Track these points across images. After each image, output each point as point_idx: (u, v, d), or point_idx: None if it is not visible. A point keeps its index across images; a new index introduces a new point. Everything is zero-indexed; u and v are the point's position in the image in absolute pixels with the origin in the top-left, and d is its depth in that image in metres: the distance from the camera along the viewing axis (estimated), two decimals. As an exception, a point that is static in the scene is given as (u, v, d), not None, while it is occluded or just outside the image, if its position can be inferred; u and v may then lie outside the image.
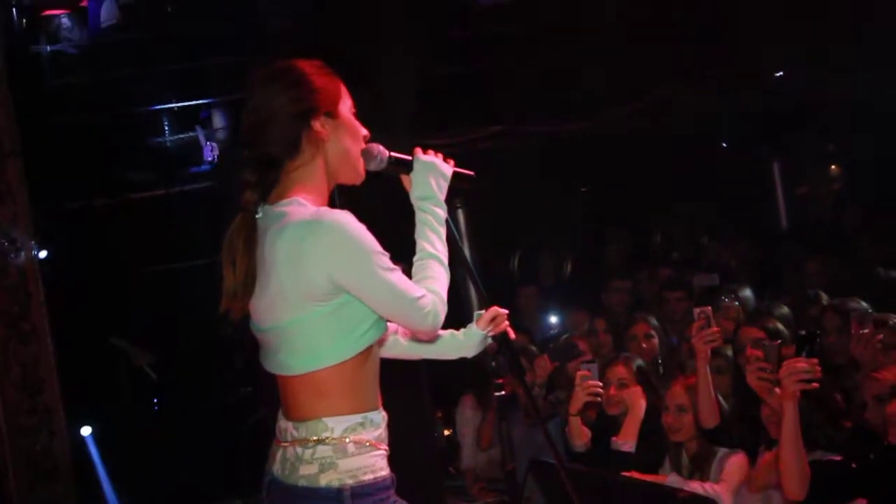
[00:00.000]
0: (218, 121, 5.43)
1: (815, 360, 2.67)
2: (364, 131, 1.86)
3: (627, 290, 5.95)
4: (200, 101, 5.42)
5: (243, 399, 5.75)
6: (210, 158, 5.39)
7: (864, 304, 4.09)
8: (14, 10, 5.25)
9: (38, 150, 5.00)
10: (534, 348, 4.80)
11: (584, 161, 7.34)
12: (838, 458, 2.83)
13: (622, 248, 7.57)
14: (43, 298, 4.90)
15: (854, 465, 2.76)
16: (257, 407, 5.16)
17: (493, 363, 2.17)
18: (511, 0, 6.17)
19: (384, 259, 1.62)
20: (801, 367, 2.62)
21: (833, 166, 9.68)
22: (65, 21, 5.51)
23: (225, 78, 5.32)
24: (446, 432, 5.55)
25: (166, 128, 5.43)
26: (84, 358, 5.44)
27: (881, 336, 3.45)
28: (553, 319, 5.82)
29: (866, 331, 3.44)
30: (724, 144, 8.02)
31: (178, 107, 5.41)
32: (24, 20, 5.40)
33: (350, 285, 1.60)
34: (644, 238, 8.05)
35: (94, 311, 5.71)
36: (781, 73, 6.78)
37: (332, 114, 1.75)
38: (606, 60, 5.86)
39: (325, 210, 1.65)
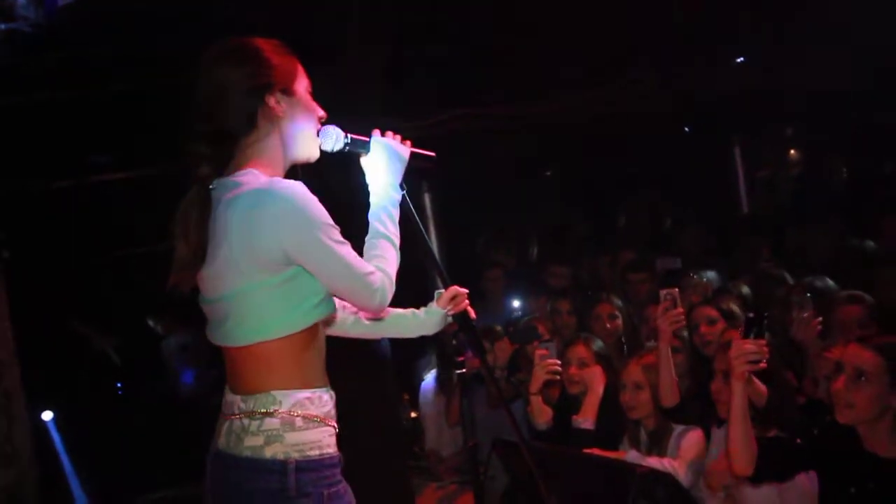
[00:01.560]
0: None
1: (763, 342, 2.73)
2: (321, 112, 1.90)
3: (566, 275, 6.08)
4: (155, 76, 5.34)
5: (211, 382, 5.73)
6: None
7: (830, 281, 4.19)
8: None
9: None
10: (499, 328, 4.85)
11: (549, 145, 7.40)
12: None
13: (581, 232, 7.69)
14: (2, 281, 4.85)
15: (798, 441, 2.81)
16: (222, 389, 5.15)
17: (454, 341, 2.20)
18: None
19: (334, 232, 1.66)
20: (749, 349, 2.68)
21: (792, 151, 9.84)
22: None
23: (189, 56, 5.27)
24: (413, 414, 5.59)
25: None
26: (45, 342, 5.38)
27: (820, 318, 3.52)
28: (516, 304, 5.86)
29: (805, 314, 3.52)
30: (685, 129, 8.11)
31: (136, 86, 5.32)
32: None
33: (299, 255, 1.64)
34: (610, 222, 8.15)
35: (55, 295, 5.65)
36: (742, 58, 6.87)
37: (288, 91, 1.79)
38: (572, 45, 5.90)
39: (278, 180, 1.69)
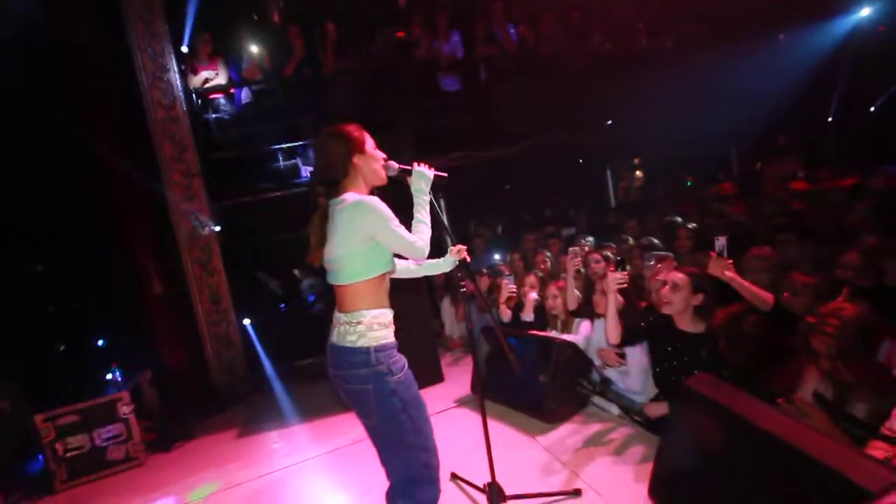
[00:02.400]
0: (309, 154, 5.38)
1: (626, 273, 2.77)
2: (383, 155, 1.94)
3: (534, 240, 6.07)
4: (298, 143, 5.37)
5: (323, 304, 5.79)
6: (305, 175, 5.36)
7: (656, 241, 4.14)
8: (194, 95, 5.16)
9: (209, 172, 4.98)
10: (484, 270, 4.88)
11: (507, 172, 7.36)
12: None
13: (531, 219, 7.65)
14: (220, 251, 4.93)
15: (642, 324, 2.83)
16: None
17: (459, 274, 2.24)
18: (463, 88, 6.11)
19: (395, 221, 1.75)
20: (618, 276, 2.72)
21: (638, 172, 9.74)
22: (222, 100, 5.41)
23: (311, 131, 5.29)
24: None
25: (280, 157, 5.39)
26: (243, 283, 5.47)
27: (659, 265, 3.45)
28: (496, 256, 5.88)
29: (650, 263, 3.45)
30: (580, 161, 8.04)
31: (286, 146, 5.36)
32: (200, 101, 5.30)
33: (378, 236, 1.73)
34: (541, 213, 8.10)
35: (248, 258, 5.73)
36: (610, 121, 6.80)
37: (363, 151, 1.84)
38: (517, 119, 5.86)
39: (364, 195, 1.78)
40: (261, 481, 3.12)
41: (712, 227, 4.69)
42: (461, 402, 3.70)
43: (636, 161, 8.94)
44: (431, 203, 2.01)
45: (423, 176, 1.99)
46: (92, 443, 3.61)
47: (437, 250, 2.29)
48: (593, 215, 7.19)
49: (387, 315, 1.81)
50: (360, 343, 1.73)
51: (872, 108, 7.86)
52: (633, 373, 3.06)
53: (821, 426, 1.71)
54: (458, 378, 4.14)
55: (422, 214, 1.91)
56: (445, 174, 2.10)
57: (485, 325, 3.83)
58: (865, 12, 7.01)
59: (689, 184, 9.06)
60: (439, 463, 1.87)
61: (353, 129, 1.85)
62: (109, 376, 4.00)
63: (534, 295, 3.78)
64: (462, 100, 6.02)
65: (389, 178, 1.96)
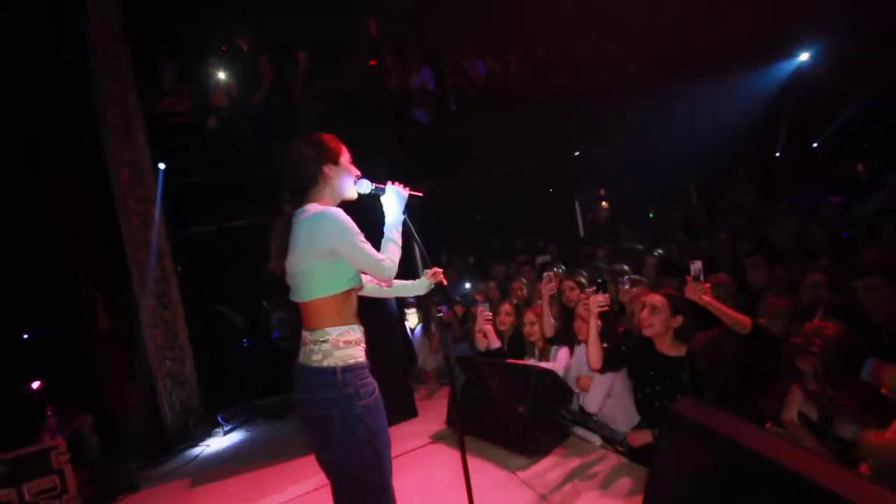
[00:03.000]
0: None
1: (607, 296, 2.73)
2: (357, 172, 1.85)
3: (507, 268, 6.06)
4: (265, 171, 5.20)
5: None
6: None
7: (626, 268, 4.16)
8: (156, 121, 4.97)
9: (169, 200, 4.73)
10: (459, 300, 4.78)
11: (477, 202, 7.43)
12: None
13: (498, 249, 7.67)
14: (178, 283, 4.64)
15: (623, 347, 2.79)
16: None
17: (435, 299, 2.13)
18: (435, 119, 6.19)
19: (360, 236, 1.64)
20: (599, 299, 2.69)
21: (603, 203, 10.04)
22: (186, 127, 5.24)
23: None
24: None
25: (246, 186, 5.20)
26: (203, 317, 5.15)
27: (634, 290, 3.48)
28: (467, 285, 5.80)
29: (626, 287, 3.43)
30: (550, 190, 8.20)
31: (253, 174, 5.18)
32: (162, 126, 5.13)
33: (341, 250, 1.62)
34: (511, 243, 8.16)
35: (209, 290, 5.42)
36: (577, 153, 6.99)
37: (336, 162, 1.74)
38: (486, 149, 5.95)
39: (329, 207, 1.67)
40: (215, 536, 2.81)
41: (676, 254, 4.81)
42: (437, 438, 3.49)
43: (601, 192, 9.24)
44: (405, 223, 1.92)
45: (396, 194, 1.91)
46: (20, 498, 3.17)
47: (410, 276, 2.21)
48: (563, 245, 7.28)
49: (355, 332, 1.67)
50: (326, 363, 1.59)
51: (815, 144, 8.47)
52: (592, 392, 2.96)
53: (811, 449, 1.66)
54: (433, 412, 3.93)
55: (393, 234, 1.81)
56: (421, 193, 2.03)
57: (461, 355, 3.69)
58: (804, 57, 7.62)
59: (651, 216, 9.40)
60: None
61: (330, 139, 1.77)
62: (44, 422, 3.59)
63: (488, 324, 3.66)
64: (432, 130, 6.06)
65: (361, 195, 1.87)
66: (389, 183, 1.94)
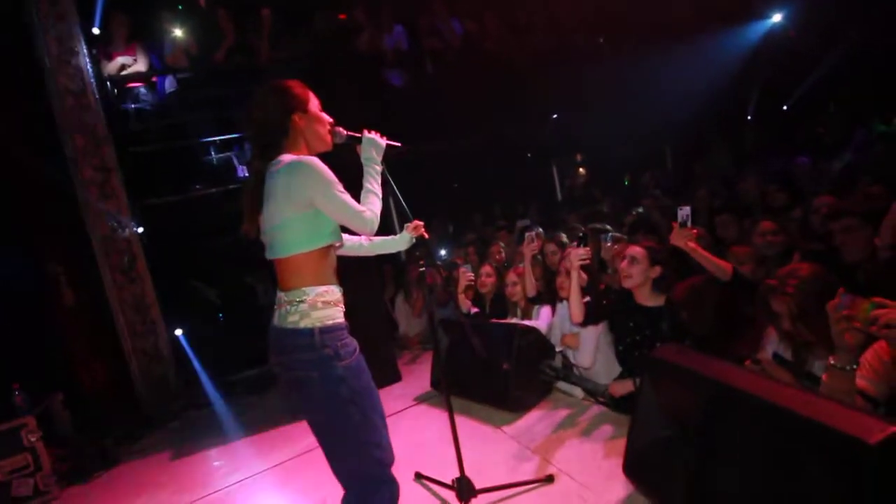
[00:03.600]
0: (245, 149, 5.00)
1: (588, 249, 2.72)
2: (329, 119, 1.75)
3: (476, 237, 6.03)
4: (231, 136, 4.97)
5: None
6: (241, 172, 4.97)
7: (609, 227, 4.18)
8: (108, 83, 4.65)
9: (130, 169, 4.49)
10: (439, 264, 4.74)
11: (455, 169, 7.33)
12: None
13: (479, 216, 7.63)
14: (144, 256, 4.43)
15: (605, 301, 2.81)
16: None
17: (417, 252, 2.08)
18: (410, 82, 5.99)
19: (339, 185, 1.55)
20: (580, 252, 2.68)
21: (581, 169, 10.06)
22: (142, 90, 4.92)
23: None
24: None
25: (212, 152, 4.96)
26: (174, 291, 4.98)
27: (616, 246, 3.51)
28: (443, 252, 5.77)
29: (608, 244, 3.46)
30: (528, 155, 8.14)
31: (218, 139, 4.95)
32: (116, 90, 4.79)
33: (318, 201, 1.52)
34: (490, 210, 8.12)
35: (179, 264, 5.23)
36: (556, 115, 6.93)
37: (304, 109, 1.64)
38: (464, 113, 5.82)
39: (303, 156, 1.57)
40: (202, 503, 2.77)
41: (653, 211, 4.86)
42: (421, 400, 3.52)
43: (578, 158, 9.23)
44: (384, 175, 1.84)
45: (373, 143, 1.82)
46: (-9, 478, 3.07)
47: (389, 231, 2.14)
48: (542, 211, 7.27)
49: (334, 292, 1.60)
50: (304, 324, 1.52)
51: (785, 107, 8.62)
52: (583, 348, 3.01)
53: (788, 383, 1.72)
54: (417, 376, 3.95)
55: (371, 184, 1.73)
56: (399, 143, 1.94)
57: (443, 317, 3.68)
58: (777, 18, 7.65)
59: (626, 182, 9.47)
60: (394, 460, 1.67)
61: (296, 86, 1.65)
62: (10, 400, 3.44)
63: (469, 285, 3.64)
64: (408, 93, 5.87)
65: (336, 144, 1.77)
66: (365, 132, 1.85)
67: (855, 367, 1.55)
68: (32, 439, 3.18)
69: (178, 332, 4.78)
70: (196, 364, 4.69)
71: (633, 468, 2.01)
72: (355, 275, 3.08)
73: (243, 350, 5.07)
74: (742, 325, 2.26)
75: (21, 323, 3.98)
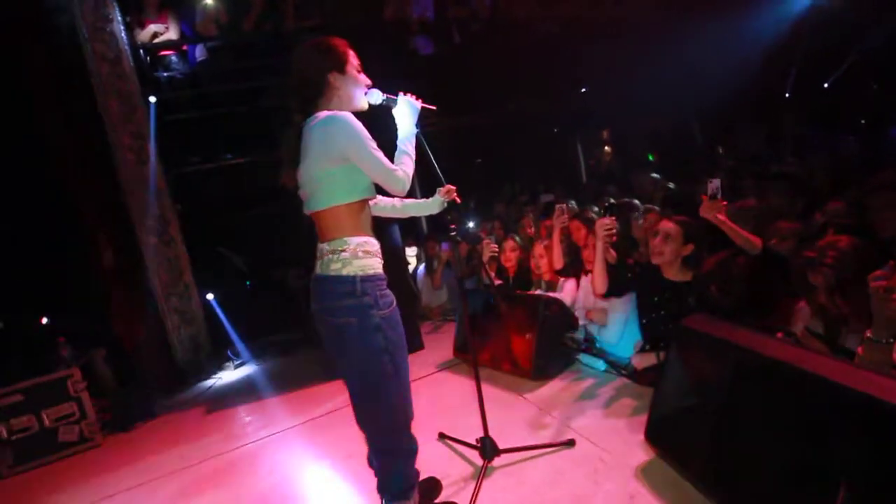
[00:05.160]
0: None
1: (613, 219, 2.67)
2: (367, 81, 1.75)
3: (503, 210, 6.01)
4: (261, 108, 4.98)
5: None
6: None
7: (638, 202, 4.10)
8: (142, 51, 4.71)
9: (162, 136, 4.58)
10: (460, 239, 4.75)
11: (479, 144, 7.25)
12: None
13: (506, 190, 7.58)
14: (178, 222, 4.57)
15: (629, 275, 2.79)
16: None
17: (449, 217, 2.09)
18: (437, 52, 5.90)
19: (373, 143, 1.56)
20: (607, 222, 2.63)
21: (606, 147, 9.82)
22: (173, 58, 4.97)
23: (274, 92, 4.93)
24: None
25: (242, 122, 5.01)
26: (206, 257, 5.13)
27: (642, 221, 3.46)
28: (470, 224, 5.77)
29: (640, 221, 3.44)
30: (555, 130, 7.99)
31: (247, 110, 4.98)
32: (149, 58, 4.84)
33: (352, 156, 1.54)
34: (512, 185, 8.05)
35: (211, 231, 5.37)
36: (584, 89, 6.74)
37: (342, 70, 1.65)
38: (491, 85, 5.72)
39: (338, 111, 1.57)
40: (234, 454, 2.92)
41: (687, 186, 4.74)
42: (443, 367, 3.59)
43: (605, 135, 9.03)
44: (418, 138, 1.84)
45: (409, 106, 1.83)
46: (40, 424, 3.28)
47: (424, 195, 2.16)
48: (567, 189, 7.16)
49: (373, 244, 1.65)
50: (346, 271, 1.57)
51: (826, 84, 8.19)
52: (611, 324, 3.02)
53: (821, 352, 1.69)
54: (439, 345, 4.02)
55: (406, 146, 1.74)
56: (434, 107, 1.94)
57: (467, 287, 3.72)
58: (819, -10, 7.20)
59: (650, 158, 9.22)
60: (413, 416, 1.75)
61: (338, 44, 1.65)
62: (57, 354, 3.65)
63: (491, 250, 3.66)
64: (435, 64, 5.79)
65: (372, 106, 1.78)
66: (401, 94, 1.85)
67: (892, 340, 1.52)
68: (78, 389, 3.38)
69: (210, 295, 4.95)
70: (227, 326, 4.87)
71: (655, 434, 2.03)
72: (383, 243, 3.12)
73: (271, 316, 5.24)
74: (772, 300, 2.23)
75: (67, 284, 4.18)
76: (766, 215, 2.82)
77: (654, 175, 4.95)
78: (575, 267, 3.49)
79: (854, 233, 2.09)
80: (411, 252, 5.31)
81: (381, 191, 1.72)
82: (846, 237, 1.82)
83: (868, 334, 1.55)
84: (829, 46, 7.61)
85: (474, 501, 1.96)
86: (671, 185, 4.55)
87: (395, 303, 1.68)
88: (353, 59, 1.70)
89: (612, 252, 2.80)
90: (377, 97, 1.78)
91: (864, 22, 7.15)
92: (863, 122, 7.08)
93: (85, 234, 4.25)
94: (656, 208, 3.37)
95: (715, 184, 2.28)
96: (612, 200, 2.87)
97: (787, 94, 8.34)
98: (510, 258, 3.83)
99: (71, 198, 4.24)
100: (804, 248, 2.29)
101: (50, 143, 4.17)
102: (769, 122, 8.24)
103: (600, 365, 3.02)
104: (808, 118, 7.98)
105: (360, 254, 1.59)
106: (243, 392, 3.96)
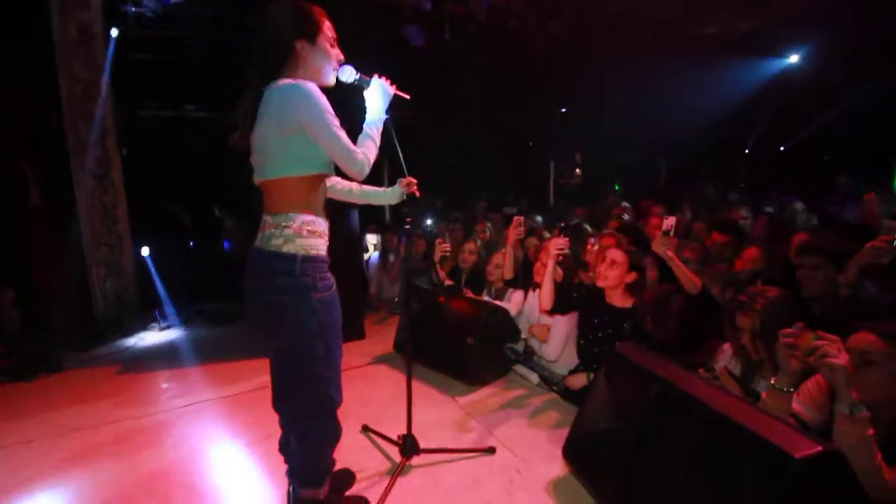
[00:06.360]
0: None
1: (567, 239, 2.74)
2: (340, 57, 1.68)
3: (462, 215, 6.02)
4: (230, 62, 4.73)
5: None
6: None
7: (588, 227, 4.21)
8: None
9: (120, 74, 4.28)
10: (420, 233, 4.74)
11: (454, 146, 7.24)
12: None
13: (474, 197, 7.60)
14: (121, 167, 4.27)
15: (574, 294, 2.86)
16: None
17: (405, 210, 2.05)
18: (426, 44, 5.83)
19: (335, 119, 1.50)
20: (559, 242, 2.70)
21: (577, 170, 10.08)
22: (146, -7, 4.63)
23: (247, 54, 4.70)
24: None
25: (209, 74, 4.74)
26: (147, 210, 4.83)
27: (597, 247, 3.55)
28: (428, 222, 5.75)
29: (595, 248, 3.48)
30: (530, 143, 8.11)
31: (217, 62, 4.70)
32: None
33: (309, 128, 1.47)
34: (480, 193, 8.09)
35: (158, 183, 5.06)
36: (564, 109, 6.87)
37: (312, 39, 1.56)
38: (470, 89, 5.72)
39: (301, 80, 1.49)
40: (141, 421, 2.74)
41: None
42: (380, 360, 3.54)
43: (577, 158, 9.26)
44: (386, 124, 1.79)
45: (382, 89, 1.76)
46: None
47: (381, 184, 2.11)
48: (533, 204, 7.28)
49: (320, 224, 1.58)
50: (287, 248, 1.50)
51: (783, 147, 8.79)
52: (552, 341, 3.07)
53: (734, 394, 1.79)
54: (381, 337, 3.97)
55: (371, 130, 1.67)
56: (408, 95, 1.89)
57: (416, 284, 3.69)
58: (794, 58, 7.72)
59: (616, 187, 9.56)
60: (341, 403, 1.69)
61: (314, 12, 1.56)
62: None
63: (443, 250, 3.68)
64: (421, 57, 5.72)
65: (341, 83, 1.71)
66: (376, 76, 1.80)
67: (793, 390, 1.63)
68: (-24, 330, 3.08)
69: (146, 251, 4.66)
70: (159, 286, 4.60)
71: (572, 452, 2.08)
72: (339, 227, 3.05)
73: (210, 281, 5.01)
74: (700, 338, 2.34)
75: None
76: (707, 259, 2.97)
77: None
78: (525, 279, 3.54)
79: (781, 286, 2.22)
80: (372, 239, 5.22)
81: (341, 174, 1.66)
82: (775, 288, 1.94)
83: (772, 381, 1.65)
84: (794, 112, 8.16)
85: (384, 498, 1.93)
86: (625, 216, 4.71)
87: (334, 287, 1.63)
88: (328, 31, 1.61)
89: (560, 271, 2.85)
90: (349, 74, 1.71)
91: (830, 94, 7.72)
92: (811, 189, 7.61)
93: (11, 164, 3.88)
94: (609, 231, 3.47)
95: (670, 221, 2.38)
96: (573, 222, 2.92)
97: (746, 150, 8.89)
98: (466, 260, 3.85)
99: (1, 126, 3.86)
100: (729, 293, 2.43)
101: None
102: (727, 172, 8.74)
103: (534, 378, 3.07)
104: (761, 175, 8.51)
105: (305, 232, 1.52)
106: (164, 357, 3.75)
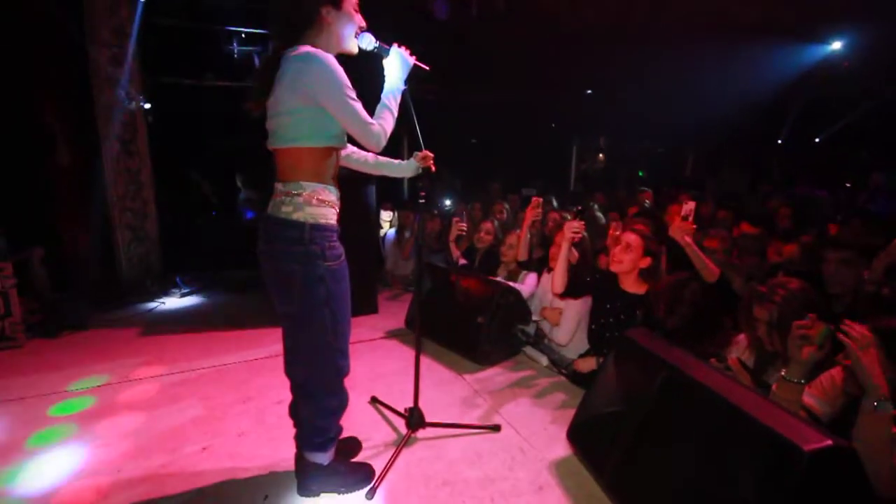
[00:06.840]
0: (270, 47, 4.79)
1: (583, 223, 2.70)
2: (362, 23, 1.66)
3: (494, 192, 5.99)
4: (259, 31, 4.70)
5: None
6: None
7: (599, 214, 4.14)
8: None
9: (147, 40, 4.31)
10: (436, 213, 4.73)
11: (476, 126, 7.14)
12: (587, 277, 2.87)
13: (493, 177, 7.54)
14: (147, 133, 4.34)
15: (588, 279, 2.83)
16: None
17: (420, 184, 2.04)
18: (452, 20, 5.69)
19: (351, 91, 1.48)
20: (575, 224, 2.66)
21: (601, 155, 9.87)
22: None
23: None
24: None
25: (235, 44, 4.73)
26: (171, 177, 4.91)
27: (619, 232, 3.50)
28: (447, 202, 5.73)
29: (615, 232, 3.44)
30: (553, 125, 7.96)
31: (244, 32, 4.70)
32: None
33: (325, 100, 1.46)
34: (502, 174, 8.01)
35: (182, 151, 5.13)
36: (590, 91, 6.69)
37: (338, 5, 1.55)
38: (496, 69, 5.59)
39: (318, 50, 1.48)
40: (158, 381, 2.85)
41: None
42: (391, 335, 3.59)
43: (601, 142, 9.08)
44: (404, 96, 1.78)
45: (401, 59, 1.75)
46: (-41, 315, 3.12)
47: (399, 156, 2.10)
48: (553, 187, 7.18)
49: (331, 194, 1.59)
50: (296, 216, 1.52)
51: (817, 139, 8.44)
52: (564, 325, 3.06)
53: (745, 384, 1.76)
54: (393, 313, 4.02)
55: (389, 101, 1.67)
56: (427, 67, 1.86)
57: (430, 262, 3.69)
58: (836, 46, 7.33)
59: (640, 174, 9.36)
60: (349, 372, 1.72)
61: None
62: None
63: (459, 229, 3.72)
64: (446, 32, 5.60)
65: (361, 51, 1.70)
66: (395, 45, 1.77)
67: (803, 382, 1.60)
68: (6, 285, 3.21)
69: (169, 218, 4.76)
70: (183, 252, 4.71)
71: (577, 433, 2.09)
72: (356, 201, 3.05)
73: (231, 249, 5.11)
74: (713, 328, 2.30)
75: (13, 173, 3.91)
76: (733, 250, 2.90)
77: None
78: (540, 262, 3.52)
79: (804, 278, 2.16)
80: (386, 216, 5.24)
81: (357, 143, 1.66)
82: (797, 280, 1.88)
83: (783, 373, 1.62)
84: (830, 104, 7.80)
85: (389, 467, 1.98)
86: (647, 203, 4.62)
87: (343, 256, 1.64)
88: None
89: (576, 253, 2.82)
90: (369, 42, 1.69)
91: (868, 86, 7.34)
92: (848, 185, 7.32)
93: (41, 126, 3.98)
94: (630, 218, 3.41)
95: (689, 206, 2.32)
96: (580, 206, 2.87)
97: (779, 141, 8.56)
98: (483, 240, 3.84)
99: (32, 84, 3.94)
100: (755, 283, 2.37)
101: (13, 19, 3.83)
102: (756, 163, 8.47)
103: (543, 360, 3.08)
104: (794, 168, 8.22)
105: (315, 201, 1.53)
106: (185, 321, 3.86)
